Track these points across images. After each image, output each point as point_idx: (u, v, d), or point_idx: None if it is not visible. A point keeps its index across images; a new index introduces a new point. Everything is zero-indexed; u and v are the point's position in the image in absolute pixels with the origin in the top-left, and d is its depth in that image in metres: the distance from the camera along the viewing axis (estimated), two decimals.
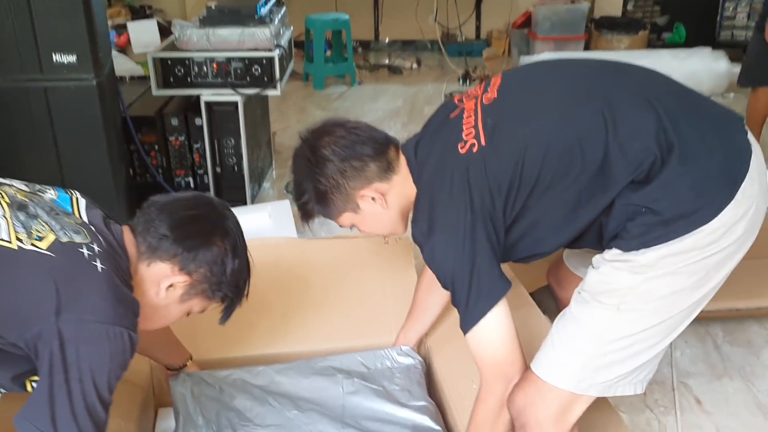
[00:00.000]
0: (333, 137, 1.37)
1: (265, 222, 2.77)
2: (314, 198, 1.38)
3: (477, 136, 1.28)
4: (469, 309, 1.25)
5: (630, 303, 1.22)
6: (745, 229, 1.20)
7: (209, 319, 1.73)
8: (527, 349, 1.34)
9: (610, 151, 1.21)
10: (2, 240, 1.09)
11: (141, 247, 1.23)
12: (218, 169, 3.05)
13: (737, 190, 1.18)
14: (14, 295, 1.07)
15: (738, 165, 1.21)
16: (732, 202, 1.18)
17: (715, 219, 1.17)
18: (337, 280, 2.01)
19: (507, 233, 1.29)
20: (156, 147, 3.01)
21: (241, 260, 1.29)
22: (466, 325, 1.27)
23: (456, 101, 1.41)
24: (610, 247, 1.26)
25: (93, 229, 1.20)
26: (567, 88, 1.30)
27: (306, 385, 1.68)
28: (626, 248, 1.22)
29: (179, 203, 1.29)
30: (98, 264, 1.13)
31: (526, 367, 1.30)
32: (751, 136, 1.26)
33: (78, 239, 1.15)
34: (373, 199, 1.37)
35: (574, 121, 1.25)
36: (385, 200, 1.38)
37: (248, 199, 3.04)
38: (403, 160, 1.41)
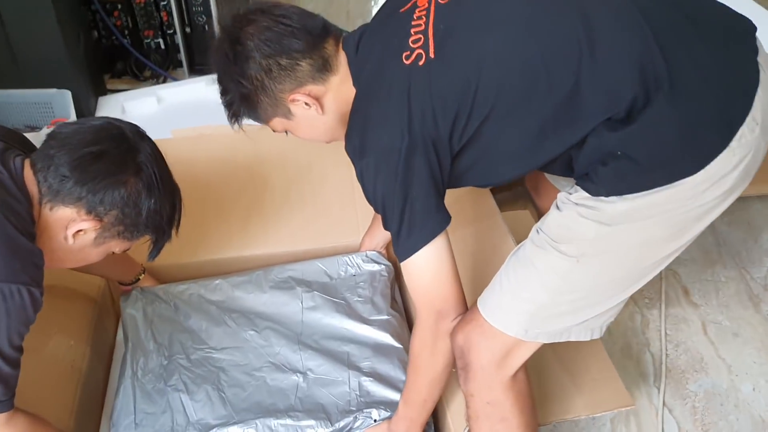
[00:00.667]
0: (256, 27, 1.14)
1: None
2: (238, 99, 1.19)
3: (425, 45, 1.08)
4: (401, 241, 1.12)
5: (592, 255, 1.07)
6: (736, 179, 1.02)
7: None
8: (488, 268, 1.23)
9: (582, 80, 1.01)
10: None
11: (42, 188, 1.10)
12: (188, 29, 2.79)
13: (733, 137, 0.99)
14: None
15: (738, 102, 1.00)
16: (724, 151, 0.99)
17: (701, 172, 0.99)
18: (300, 175, 1.86)
19: (456, 158, 1.13)
20: (119, 6, 2.74)
21: (159, 198, 1.16)
22: (399, 255, 1.14)
23: None
24: (577, 184, 1.09)
25: None
26: None
27: (264, 300, 1.60)
28: (594, 192, 1.06)
29: (82, 136, 1.12)
30: None
31: (466, 305, 1.20)
32: (763, 56, 1.04)
33: None
34: (306, 104, 1.18)
35: (542, 37, 1.04)
36: (321, 105, 1.19)
37: None
38: (343, 56, 1.20)
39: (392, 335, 1.52)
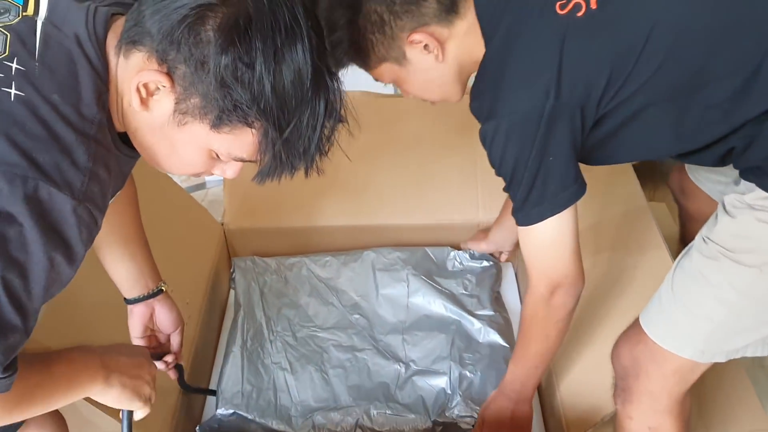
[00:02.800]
0: None
1: None
2: (347, 38, 1.04)
3: None
4: (526, 209, 1.03)
5: None
6: None
7: (274, 185, 1.61)
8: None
9: None
10: None
11: (123, 34, 0.78)
12: None
13: None
14: None
15: None
16: None
17: None
18: (422, 145, 1.76)
19: (596, 125, 1.01)
20: None
21: (245, 57, 0.73)
22: (521, 220, 1.06)
23: None
24: (748, 180, 0.97)
25: (35, 26, 0.76)
26: None
27: (372, 282, 1.59)
28: None
29: None
30: (12, 90, 0.71)
31: (584, 280, 1.11)
32: None
33: None
34: (426, 47, 1.04)
35: (736, 3, 0.90)
36: (442, 50, 1.04)
37: None
38: (471, 3, 1.05)
39: (498, 332, 1.47)
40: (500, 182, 1.64)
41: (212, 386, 1.45)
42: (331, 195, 1.72)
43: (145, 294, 1.13)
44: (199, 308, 1.54)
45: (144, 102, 0.76)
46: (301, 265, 1.62)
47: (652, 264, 1.38)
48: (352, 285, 1.58)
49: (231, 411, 1.32)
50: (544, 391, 1.45)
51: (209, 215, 1.72)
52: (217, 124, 0.76)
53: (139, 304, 1.13)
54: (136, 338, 1.16)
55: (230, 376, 1.39)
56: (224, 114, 0.75)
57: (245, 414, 1.32)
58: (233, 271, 1.63)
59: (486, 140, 1.02)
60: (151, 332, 1.17)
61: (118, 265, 1.11)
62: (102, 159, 0.75)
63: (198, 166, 0.84)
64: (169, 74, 0.74)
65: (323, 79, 0.78)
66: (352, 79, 1.06)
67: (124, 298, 1.13)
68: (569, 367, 1.36)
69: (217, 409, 1.34)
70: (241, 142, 0.78)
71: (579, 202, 1.05)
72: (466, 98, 1.11)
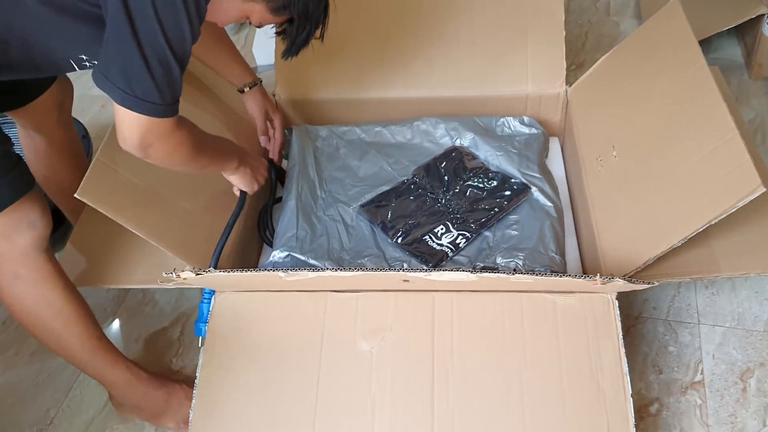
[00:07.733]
0: None
1: None
2: None
3: None
4: None
5: None
6: None
7: (324, 56, 1.65)
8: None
9: None
10: None
11: None
12: None
13: None
14: None
15: None
16: None
17: None
18: (472, 17, 1.76)
19: None
20: None
21: None
22: None
23: None
24: None
25: None
26: None
27: (420, 149, 1.66)
28: None
29: None
30: None
31: None
32: None
33: None
34: None
35: None
36: None
37: None
38: None
39: (540, 192, 1.52)
40: (551, 54, 1.66)
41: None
42: (380, 66, 1.74)
43: (254, 81, 1.55)
44: None
45: None
46: (352, 134, 1.68)
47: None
48: (402, 151, 1.64)
49: (286, 253, 1.39)
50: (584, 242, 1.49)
51: None
52: (273, 11, 1.08)
53: (254, 89, 1.56)
54: (260, 119, 1.60)
55: (286, 222, 1.46)
56: (286, 9, 1.08)
57: (299, 255, 1.38)
58: (289, 136, 1.68)
59: None
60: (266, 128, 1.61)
61: (232, 65, 1.52)
62: None
63: (232, 22, 1.15)
64: None
65: None
66: None
67: (240, 90, 1.55)
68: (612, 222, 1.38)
69: (272, 251, 1.41)
70: (275, 20, 1.12)
71: None
72: None
